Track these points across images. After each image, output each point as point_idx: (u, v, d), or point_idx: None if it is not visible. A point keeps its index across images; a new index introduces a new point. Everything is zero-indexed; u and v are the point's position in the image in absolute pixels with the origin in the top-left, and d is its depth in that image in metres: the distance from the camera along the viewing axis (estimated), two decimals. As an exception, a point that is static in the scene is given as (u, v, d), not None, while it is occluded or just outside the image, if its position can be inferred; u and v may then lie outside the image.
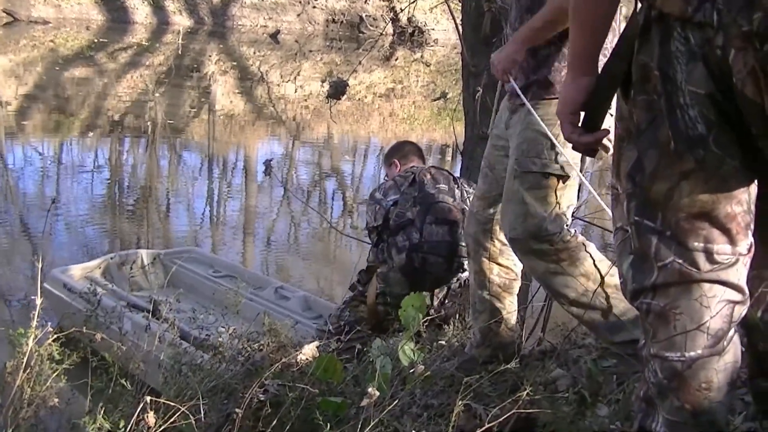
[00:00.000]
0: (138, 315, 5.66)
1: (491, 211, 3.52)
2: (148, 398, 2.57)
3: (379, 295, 4.94)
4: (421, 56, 26.15)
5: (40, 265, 3.66)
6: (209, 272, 7.35)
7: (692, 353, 1.90)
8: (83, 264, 7.26)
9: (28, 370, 2.68)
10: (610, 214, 2.11)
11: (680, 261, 1.87)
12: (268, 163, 6.91)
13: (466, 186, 5.16)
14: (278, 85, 21.49)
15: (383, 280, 4.95)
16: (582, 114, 2.06)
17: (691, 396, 1.91)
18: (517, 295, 5.22)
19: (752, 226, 1.89)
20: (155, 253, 7.70)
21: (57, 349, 2.81)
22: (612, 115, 2.12)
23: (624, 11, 2.86)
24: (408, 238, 4.84)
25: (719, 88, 1.72)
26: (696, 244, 1.86)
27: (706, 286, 1.88)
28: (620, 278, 2.05)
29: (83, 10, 26.65)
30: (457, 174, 5.41)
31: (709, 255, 1.86)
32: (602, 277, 3.27)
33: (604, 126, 2.08)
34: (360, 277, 5.18)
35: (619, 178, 1.98)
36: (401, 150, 5.51)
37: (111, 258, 7.35)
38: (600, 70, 2.03)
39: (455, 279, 4.99)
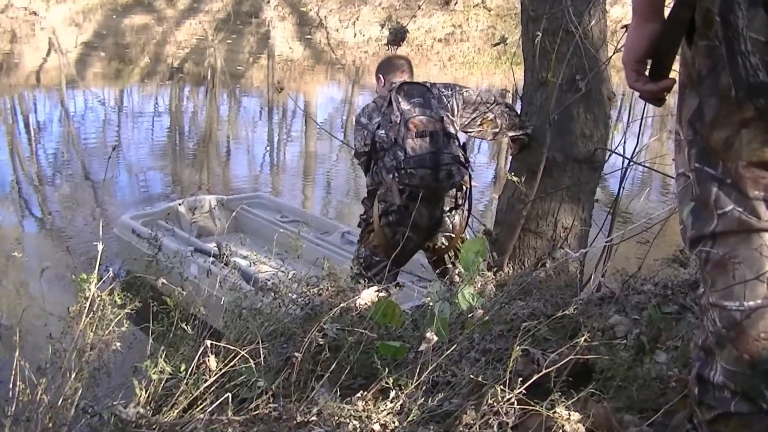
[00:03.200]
0: (202, 259, 5.76)
1: None
2: (208, 342, 2.61)
3: (382, 216, 5.07)
4: (483, 2, 25.85)
5: (101, 212, 3.72)
6: (277, 217, 7.45)
7: (751, 303, 1.87)
8: (152, 209, 7.41)
9: (90, 315, 2.73)
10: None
11: (740, 209, 1.84)
12: (279, 85, 6.96)
13: (443, 90, 5.21)
14: (337, 30, 21.46)
15: (383, 201, 5.06)
16: (649, 62, 2.03)
17: (749, 346, 1.89)
18: (577, 240, 5.25)
19: None
20: (223, 199, 7.81)
21: (119, 294, 2.85)
22: None
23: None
24: (394, 157, 4.93)
25: None
26: (756, 192, 1.82)
27: (766, 235, 1.85)
28: (680, 225, 2.03)
29: (142, -43, 26.72)
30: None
31: None
32: None
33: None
34: (364, 204, 5.29)
35: (681, 124, 1.95)
36: (385, 65, 5.56)
37: (179, 203, 7.49)
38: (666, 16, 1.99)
39: (452, 191, 5.11)
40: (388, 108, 5.06)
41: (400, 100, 5.04)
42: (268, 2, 23.98)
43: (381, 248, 5.12)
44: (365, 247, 5.24)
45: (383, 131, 5.03)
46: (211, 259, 5.59)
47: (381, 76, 5.45)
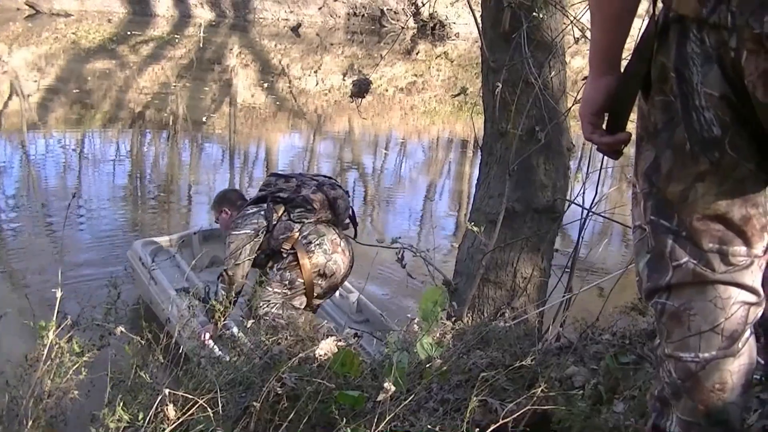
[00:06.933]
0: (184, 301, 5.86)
1: None
2: (166, 390, 2.60)
3: (316, 247, 5.61)
4: (445, 53, 26.06)
5: (60, 258, 3.69)
6: None
7: (706, 354, 1.89)
8: (168, 236, 7.49)
9: (48, 362, 2.71)
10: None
11: (695, 261, 1.86)
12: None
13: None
14: (299, 78, 21.52)
15: (306, 239, 5.60)
16: (606, 115, 2.04)
17: (705, 396, 1.91)
18: (536, 290, 5.27)
19: None
20: None
21: (77, 342, 2.83)
22: None
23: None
24: (311, 185, 5.77)
25: (734, 90, 1.69)
26: (711, 245, 1.85)
27: (721, 287, 1.87)
28: (636, 277, 2.05)
29: (105, 3, 26.74)
30: (477, 168, 5.53)
31: (724, 256, 1.85)
32: None
33: None
34: (280, 255, 5.69)
35: (637, 177, 1.97)
36: (227, 200, 6.29)
37: (194, 232, 7.66)
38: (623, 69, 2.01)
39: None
40: (288, 182, 5.82)
41: (304, 178, 5.90)
42: (231, 50, 24.05)
43: (316, 274, 5.59)
44: (291, 272, 5.55)
45: (281, 188, 5.78)
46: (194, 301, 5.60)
47: (226, 209, 6.15)
